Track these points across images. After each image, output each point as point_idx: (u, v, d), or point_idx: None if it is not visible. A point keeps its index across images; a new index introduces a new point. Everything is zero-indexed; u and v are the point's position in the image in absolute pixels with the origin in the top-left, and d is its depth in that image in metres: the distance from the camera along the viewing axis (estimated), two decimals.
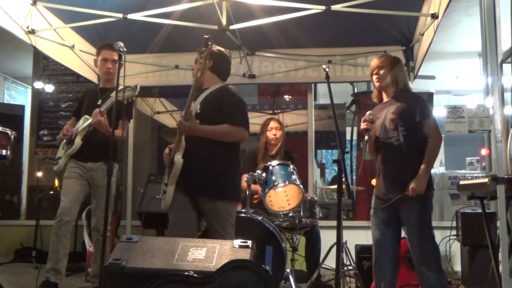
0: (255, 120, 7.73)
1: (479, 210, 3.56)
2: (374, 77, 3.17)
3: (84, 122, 3.73)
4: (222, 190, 2.99)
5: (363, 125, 3.12)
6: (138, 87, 3.42)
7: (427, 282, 2.91)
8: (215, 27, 4.09)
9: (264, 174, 3.68)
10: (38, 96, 6.94)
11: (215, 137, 3.01)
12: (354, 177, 6.65)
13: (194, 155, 2.98)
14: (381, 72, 3.14)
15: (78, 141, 3.70)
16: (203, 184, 2.99)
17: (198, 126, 2.97)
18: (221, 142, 3.02)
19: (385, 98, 3.20)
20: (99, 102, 3.76)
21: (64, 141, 3.85)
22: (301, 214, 3.82)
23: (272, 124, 4.49)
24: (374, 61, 3.20)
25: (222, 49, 3.25)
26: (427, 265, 2.91)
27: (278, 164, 3.74)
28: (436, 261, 2.94)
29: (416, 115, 2.99)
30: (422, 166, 2.93)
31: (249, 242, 2.50)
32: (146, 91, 6.23)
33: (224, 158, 3.06)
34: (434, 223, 5.43)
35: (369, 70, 3.25)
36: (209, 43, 2.89)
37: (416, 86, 5.22)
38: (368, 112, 3.16)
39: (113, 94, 3.18)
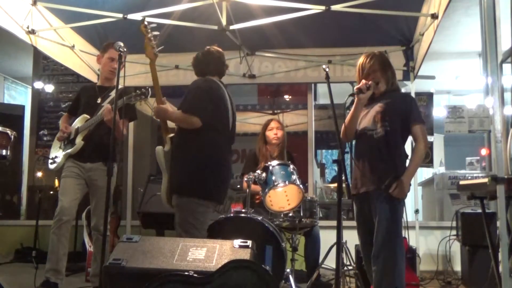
0: (255, 120, 7.74)
1: (479, 210, 3.55)
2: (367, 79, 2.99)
3: (83, 121, 3.72)
4: (179, 185, 2.97)
5: (361, 84, 2.91)
6: (150, 90, 3.40)
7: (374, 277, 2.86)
8: (215, 27, 4.09)
9: (264, 174, 3.68)
10: (38, 96, 6.95)
11: (174, 121, 3.11)
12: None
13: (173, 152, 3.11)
14: (375, 75, 3.00)
15: (79, 141, 3.68)
16: (170, 179, 3.06)
17: (165, 109, 3.08)
18: (185, 136, 3.04)
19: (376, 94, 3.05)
20: (99, 100, 3.75)
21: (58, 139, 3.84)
22: (301, 214, 3.83)
23: (273, 124, 4.50)
24: (363, 61, 3.04)
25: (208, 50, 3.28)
26: (383, 262, 2.81)
27: (278, 164, 3.74)
28: (394, 263, 2.80)
29: (409, 116, 2.94)
30: (408, 167, 2.91)
31: (249, 242, 2.50)
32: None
33: (185, 153, 3.04)
34: (434, 223, 5.53)
35: (357, 67, 3.07)
36: None
37: (416, 86, 5.23)
38: (372, 81, 2.95)
39: (123, 94, 3.30)
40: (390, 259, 2.80)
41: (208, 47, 3.31)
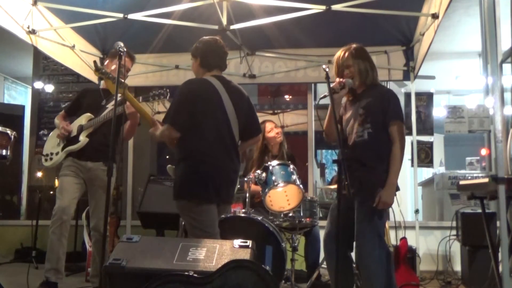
0: None
1: (479, 210, 3.56)
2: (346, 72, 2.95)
3: (87, 119, 3.71)
4: (176, 189, 2.94)
5: (335, 83, 2.87)
6: (168, 91, 3.31)
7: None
8: (216, 27, 4.09)
9: (264, 174, 3.68)
10: (38, 96, 6.95)
11: (162, 141, 3.10)
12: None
13: None
14: (350, 71, 2.94)
15: (84, 138, 3.66)
16: None
17: (153, 132, 3.08)
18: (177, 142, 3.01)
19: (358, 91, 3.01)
20: (104, 102, 3.75)
21: (55, 136, 3.80)
22: (301, 214, 3.83)
23: (269, 125, 4.48)
24: (339, 55, 2.99)
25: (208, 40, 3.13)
26: (361, 265, 2.79)
27: (278, 164, 3.74)
28: (372, 264, 2.76)
29: (386, 113, 2.84)
30: (389, 176, 2.79)
31: (249, 242, 2.50)
32: (146, 91, 6.24)
33: (178, 156, 3.00)
34: (434, 223, 5.53)
35: (334, 61, 3.01)
36: None
37: (416, 86, 5.22)
38: (346, 79, 2.91)
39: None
40: (373, 262, 2.77)
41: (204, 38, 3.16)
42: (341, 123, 3.09)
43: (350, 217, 2.87)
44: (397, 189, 2.89)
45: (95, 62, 3.32)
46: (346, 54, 2.98)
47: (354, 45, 3.03)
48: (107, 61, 3.85)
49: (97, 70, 3.27)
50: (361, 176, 2.85)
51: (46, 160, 3.81)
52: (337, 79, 2.91)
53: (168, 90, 3.33)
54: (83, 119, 3.74)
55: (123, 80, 3.14)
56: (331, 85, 2.85)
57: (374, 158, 2.86)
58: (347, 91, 2.93)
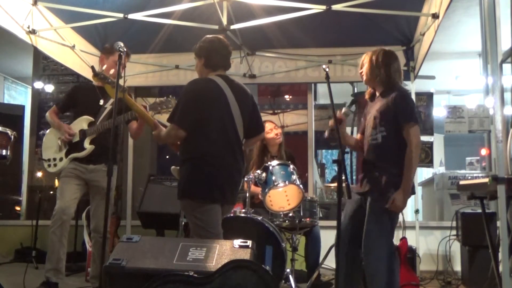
0: None
1: (479, 210, 3.55)
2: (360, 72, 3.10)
3: (86, 122, 3.69)
4: (180, 188, 2.94)
5: (330, 124, 2.97)
6: (174, 98, 3.24)
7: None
8: (216, 27, 4.09)
9: (264, 174, 3.68)
10: (38, 96, 6.95)
11: (166, 142, 3.14)
12: (355, 177, 6.65)
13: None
14: (364, 67, 3.03)
15: (90, 146, 3.64)
16: None
17: (158, 134, 3.07)
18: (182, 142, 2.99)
19: (377, 95, 3.09)
20: (101, 102, 3.73)
21: (53, 137, 3.78)
22: (301, 214, 3.82)
23: (268, 126, 4.47)
24: (363, 56, 3.10)
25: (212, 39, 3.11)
26: (372, 265, 2.85)
27: (278, 164, 3.74)
28: (375, 261, 2.83)
29: (398, 116, 2.86)
30: (403, 181, 2.81)
31: (249, 242, 2.50)
32: (146, 91, 6.25)
33: (183, 157, 2.99)
34: (434, 223, 5.53)
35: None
36: None
37: (416, 86, 5.22)
38: (344, 109, 3.04)
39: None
40: (377, 262, 2.82)
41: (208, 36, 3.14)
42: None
43: (361, 216, 2.92)
44: (413, 192, 2.93)
45: (93, 67, 3.31)
46: (367, 56, 3.05)
47: (378, 49, 3.06)
48: (105, 66, 3.77)
49: (95, 75, 3.26)
50: (373, 177, 2.89)
51: (49, 166, 3.73)
52: (330, 122, 2.98)
53: (174, 98, 3.25)
54: (83, 123, 3.70)
55: (122, 84, 3.12)
56: (330, 125, 2.97)
57: (386, 160, 2.89)
58: (346, 118, 3.05)
